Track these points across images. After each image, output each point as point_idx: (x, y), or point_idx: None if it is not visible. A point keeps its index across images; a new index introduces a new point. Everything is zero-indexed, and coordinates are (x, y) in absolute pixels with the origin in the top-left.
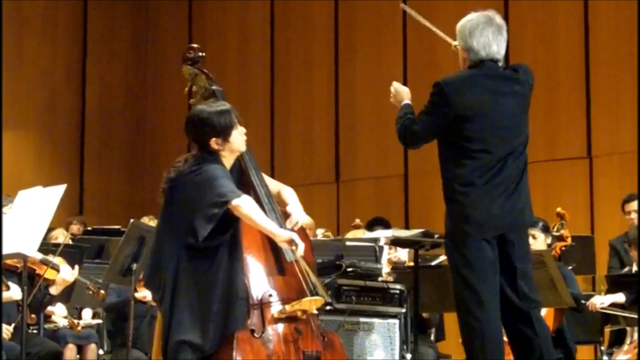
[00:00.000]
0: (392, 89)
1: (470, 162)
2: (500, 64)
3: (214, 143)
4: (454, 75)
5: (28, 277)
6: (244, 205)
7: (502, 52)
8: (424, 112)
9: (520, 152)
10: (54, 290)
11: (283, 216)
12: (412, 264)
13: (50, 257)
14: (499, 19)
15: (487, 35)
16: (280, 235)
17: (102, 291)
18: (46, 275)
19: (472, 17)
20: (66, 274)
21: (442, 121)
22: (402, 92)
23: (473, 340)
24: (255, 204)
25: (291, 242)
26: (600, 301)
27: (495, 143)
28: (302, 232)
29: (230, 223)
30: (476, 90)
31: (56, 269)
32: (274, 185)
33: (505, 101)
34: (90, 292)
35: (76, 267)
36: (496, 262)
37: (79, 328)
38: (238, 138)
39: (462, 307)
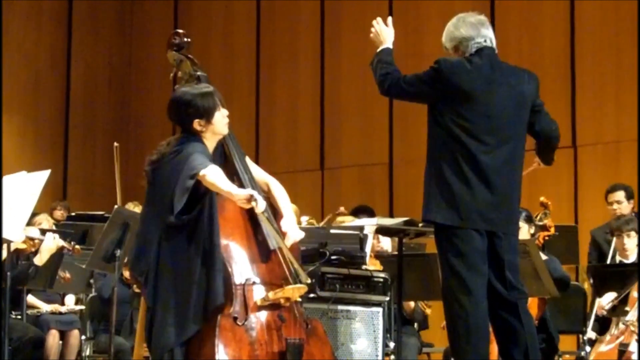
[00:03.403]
0: (374, 24)
1: (459, 149)
2: (496, 52)
3: (196, 124)
4: (456, 58)
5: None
6: (208, 173)
7: (492, 37)
8: (419, 78)
9: (513, 147)
10: (38, 260)
11: (267, 200)
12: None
13: (28, 230)
14: (477, 14)
15: (470, 22)
16: (238, 194)
17: (77, 246)
18: (25, 247)
19: (451, 21)
20: (49, 241)
21: (433, 94)
22: (384, 33)
23: (458, 329)
24: (221, 171)
25: (250, 199)
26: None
27: (484, 131)
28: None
29: (202, 194)
30: (472, 75)
31: (37, 240)
32: (261, 175)
33: (498, 91)
34: (67, 251)
35: (56, 235)
36: (485, 252)
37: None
38: (221, 120)
39: (449, 295)
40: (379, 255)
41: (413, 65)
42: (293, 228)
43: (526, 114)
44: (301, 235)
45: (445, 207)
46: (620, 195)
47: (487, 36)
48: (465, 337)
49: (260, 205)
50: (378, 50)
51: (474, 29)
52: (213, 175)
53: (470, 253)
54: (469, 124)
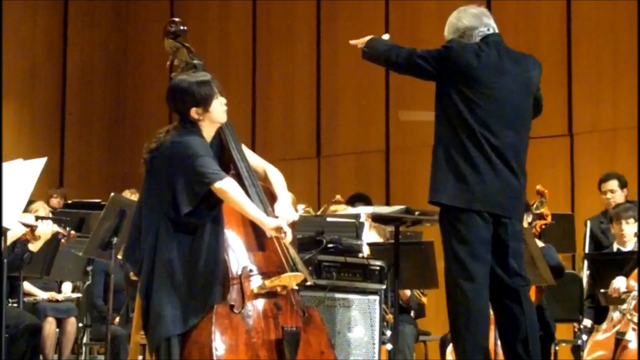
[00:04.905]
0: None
1: (466, 130)
2: (501, 38)
3: (194, 113)
4: (467, 41)
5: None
6: (228, 189)
7: (495, 26)
8: (431, 54)
9: (519, 132)
10: (33, 247)
11: (264, 191)
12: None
13: (22, 217)
14: (476, 6)
15: (472, 12)
16: (269, 224)
17: (72, 232)
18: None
19: (452, 14)
20: (44, 228)
21: (442, 71)
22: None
23: (458, 315)
24: (240, 188)
25: (279, 230)
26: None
27: (491, 114)
28: None
29: (215, 203)
30: (481, 59)
31: (33, 227)
32: (258, 162)
33: (506, 76)
34: (62, 237)
35: (50, 221)
36: (489, 239)
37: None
38: (219, 108)
39: (451, 281)
40: (373, 244)
41: (410, 45)
42: (287, 209)
43: (531, 99)
44: (295, 216)
45: (451, 188)
46: (613, 184)
47: (490, 24)
48: (465, 324)
49: (288, 237)
50: (367, 39)
51: (477, 19)
52: (234, 193)
53: (474, 240)
54: (476, 107)
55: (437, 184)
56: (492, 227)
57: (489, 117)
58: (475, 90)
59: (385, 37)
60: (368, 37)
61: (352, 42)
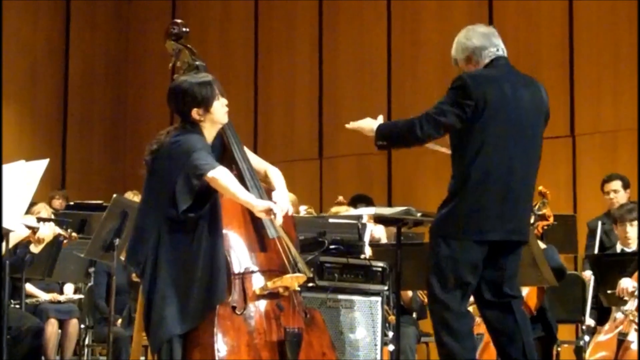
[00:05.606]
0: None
1: (482, 159)
2: (508, 61)
3: (195, 113)
4: (475, 70)
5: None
6: (219, 177)
7: (504, 47)
8: (447, 104)
9: (534, 153)
10: (35, 249)
11: (266, 193)
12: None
13: (24, 219)
14: (484, 25)
15: (481, 32)
16: (258, 205)
17: (74, 234)
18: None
19: (459, 33)
20: (45, 230)
21: (465, 113)
22: (365, 123)
23: (438, 326)
24: (232, 175)
25: (269, 211)
26: (628, 285)
27: (509, 137)
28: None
29: (209, 195)
30: (496, 84)
31: (35, 229)
32: (260, 163)
33: (523, 96)
34: (63, 238)
35: (51, 223)
36: (479, 263)
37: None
38: (220, 109)
39: (431, 293)
40: (373, 244)
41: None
42: (283, 197)
43: (543, 120)
44: (289, 207)
45: (459, 220)
46: (617, 184)
47: (499, 45)
48: (447, 333)
49: (279, 218)
50: (375, 129)
51: (486, 39)
52: (226, 180)
53: (463, 262)
54: (495, 134)
55: (450, 217)
56: (487, 250)
57: (503, 142)
58: (495, 115)
59: (380, 119)
60: (370, 124)
61: (348, 126)
